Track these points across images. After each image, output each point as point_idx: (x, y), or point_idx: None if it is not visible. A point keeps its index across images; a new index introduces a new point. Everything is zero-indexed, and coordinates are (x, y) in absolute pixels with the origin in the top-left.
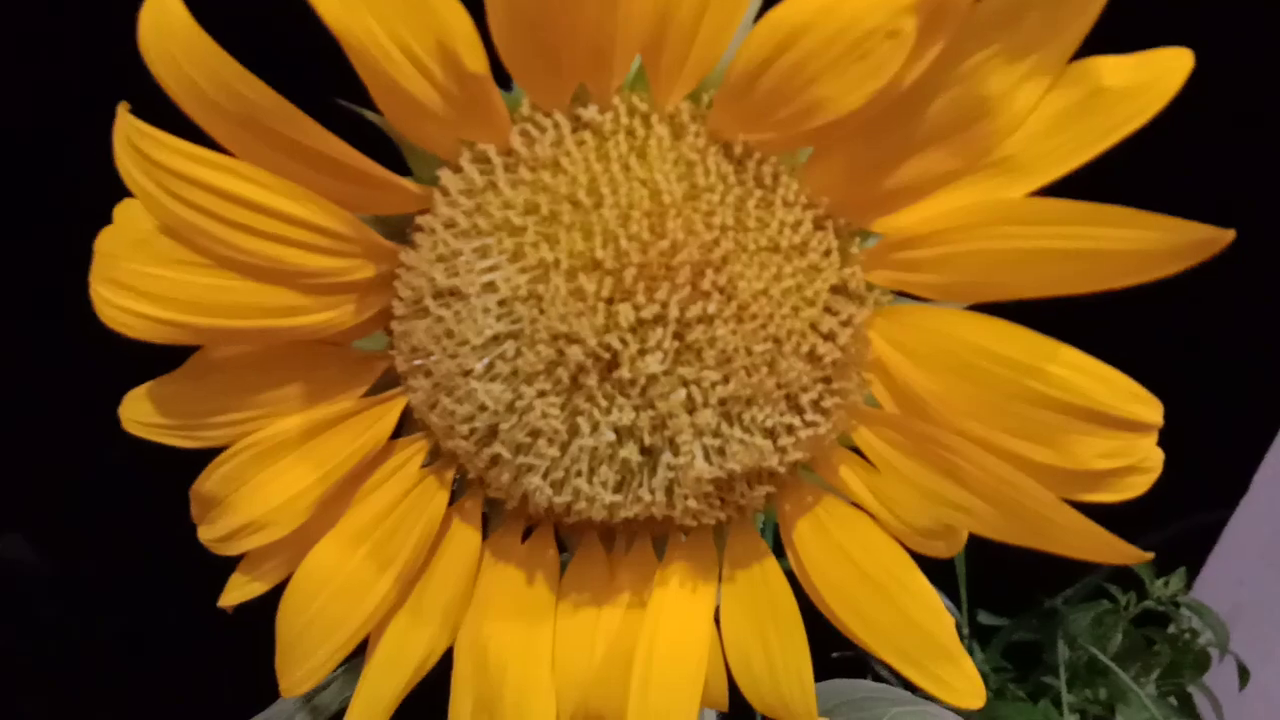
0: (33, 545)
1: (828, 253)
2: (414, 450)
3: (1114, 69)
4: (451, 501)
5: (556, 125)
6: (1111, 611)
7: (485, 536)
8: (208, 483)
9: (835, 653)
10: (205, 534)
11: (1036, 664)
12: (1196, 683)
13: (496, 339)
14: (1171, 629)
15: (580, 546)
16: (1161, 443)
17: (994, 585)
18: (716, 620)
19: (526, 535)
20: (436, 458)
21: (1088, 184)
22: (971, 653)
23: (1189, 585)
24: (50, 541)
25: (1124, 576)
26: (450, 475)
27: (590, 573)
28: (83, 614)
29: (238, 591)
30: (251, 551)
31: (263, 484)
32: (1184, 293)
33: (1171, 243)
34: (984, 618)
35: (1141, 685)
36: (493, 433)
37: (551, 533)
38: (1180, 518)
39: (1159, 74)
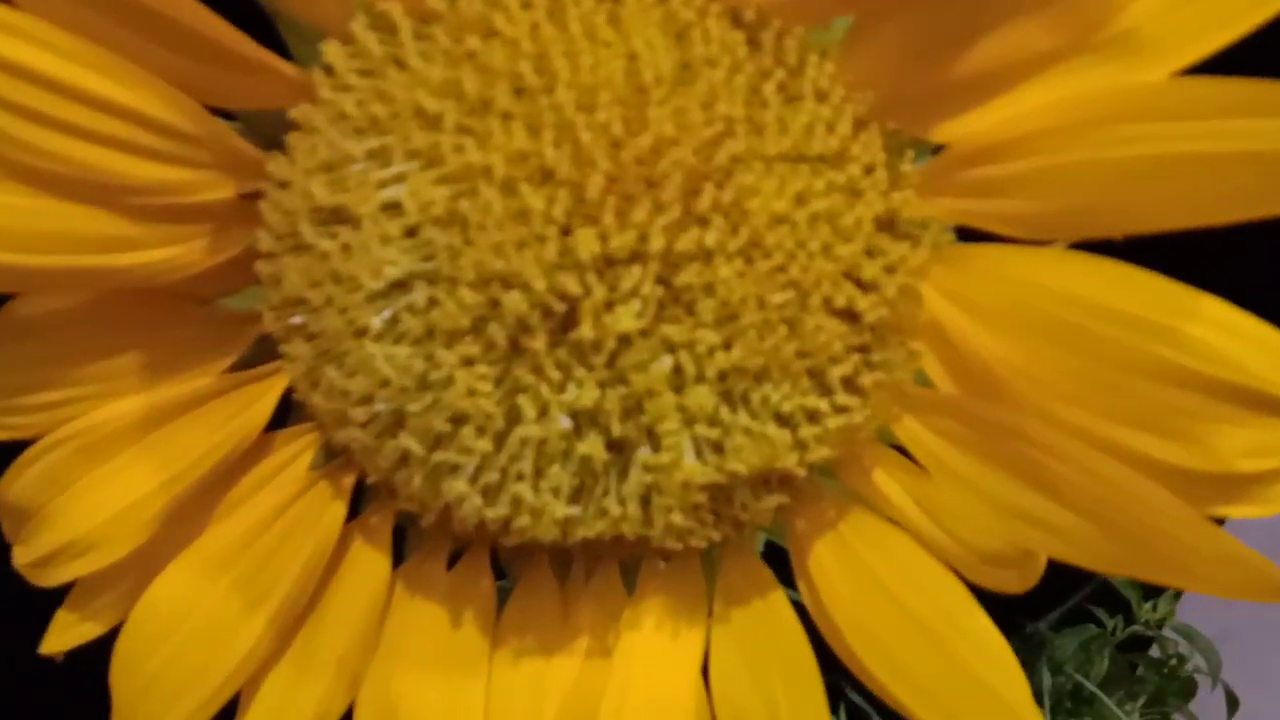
0: None
1: (870, 169)
2: (300, 446)
3: None
4: (352, 515)
5: None
6: (1098, 637)
7: (398, 562)
8: (14, 487)
9: None
10: (20, 557)
11: None
12: (1183, 710)
13: (402, 283)
14: (1156, 654)
15: (524, 574)
16: None
17: None
18: (705, 672)
19: (454, 560)
20: (332, 456)
21: None
22: None
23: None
24: None
25: (1109, 599)
26: (349, 480)
27: (537, 609)
28: None
29: (65, 634)
30: (81, 580)
31: (89, 489)
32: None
33: None
34: None
35: (1127, 713)
36: (398, 419)
37: (486, 557)
38: None
39: None
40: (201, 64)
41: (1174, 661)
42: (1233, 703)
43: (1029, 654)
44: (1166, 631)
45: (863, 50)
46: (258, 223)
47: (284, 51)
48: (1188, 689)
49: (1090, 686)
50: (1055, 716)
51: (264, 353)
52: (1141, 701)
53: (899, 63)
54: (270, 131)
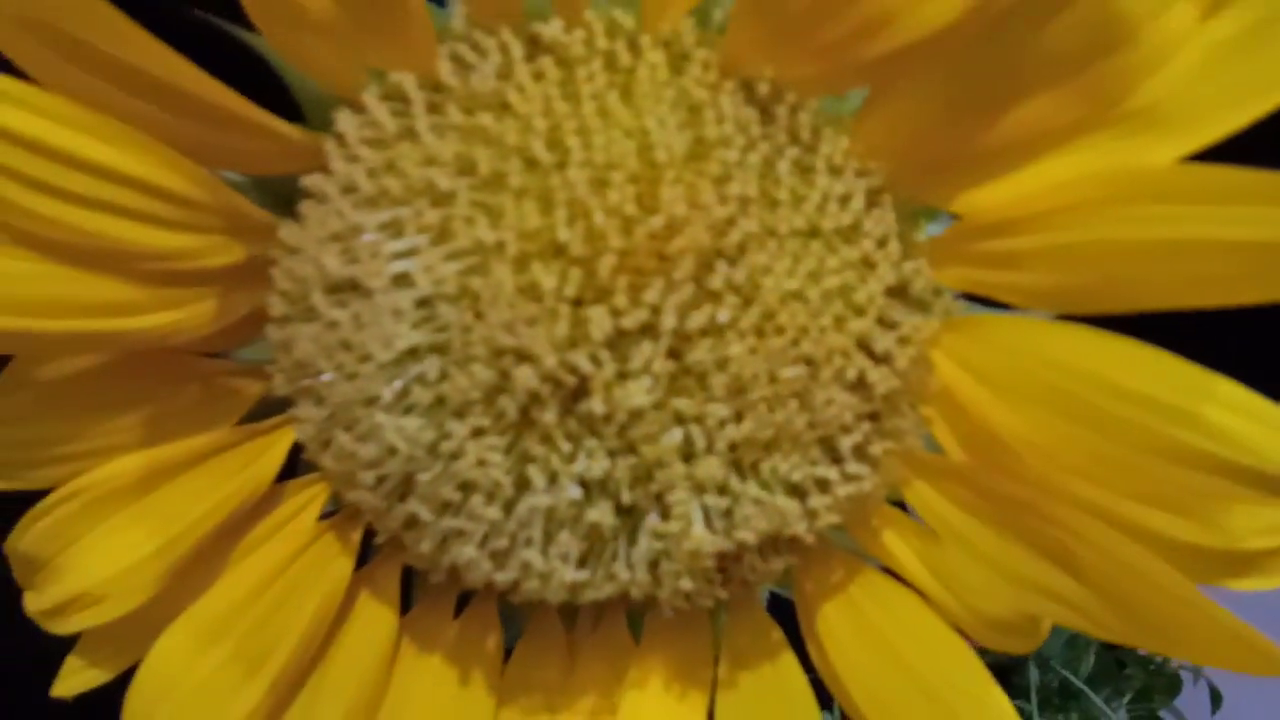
0: None
1: (884, 240)
2: (309, 496)
3: None
4: (362, 560)
5: (503, 47)
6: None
7: (407, 604)
8: (26, 537)
9: None
10: (32, 604)
11: (1007, 687)
12: (1168, 706)
13: (413, 354)
14: (1143, 651)
15: (532, 624)
16: None
17: None
18: None
19: (462, 603)
20: (341, 504)
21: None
22: None
23: None
24: None
25: None
26: (357, 534)
27: (544, 663)
28: None
29: (73, 679)
30: (89, 631)
31: (97, 543)
32: None
33: None
34: None
35: (1114, 709)
36: (408, 485)
37: (494, 608)
38: None
39: None
40: (207, 130)
41: (1159, 659)
42: (1216, 698)
43: None
44: None
45: (879, 122)
46: (266, 283)
47: (297, 114)
48: (1173, 685)
49: (1077, 683)
50: (1042, 713)
51: (276, 403)
52: (1128, 698)
53: (914, 133)
54: (283, 189)
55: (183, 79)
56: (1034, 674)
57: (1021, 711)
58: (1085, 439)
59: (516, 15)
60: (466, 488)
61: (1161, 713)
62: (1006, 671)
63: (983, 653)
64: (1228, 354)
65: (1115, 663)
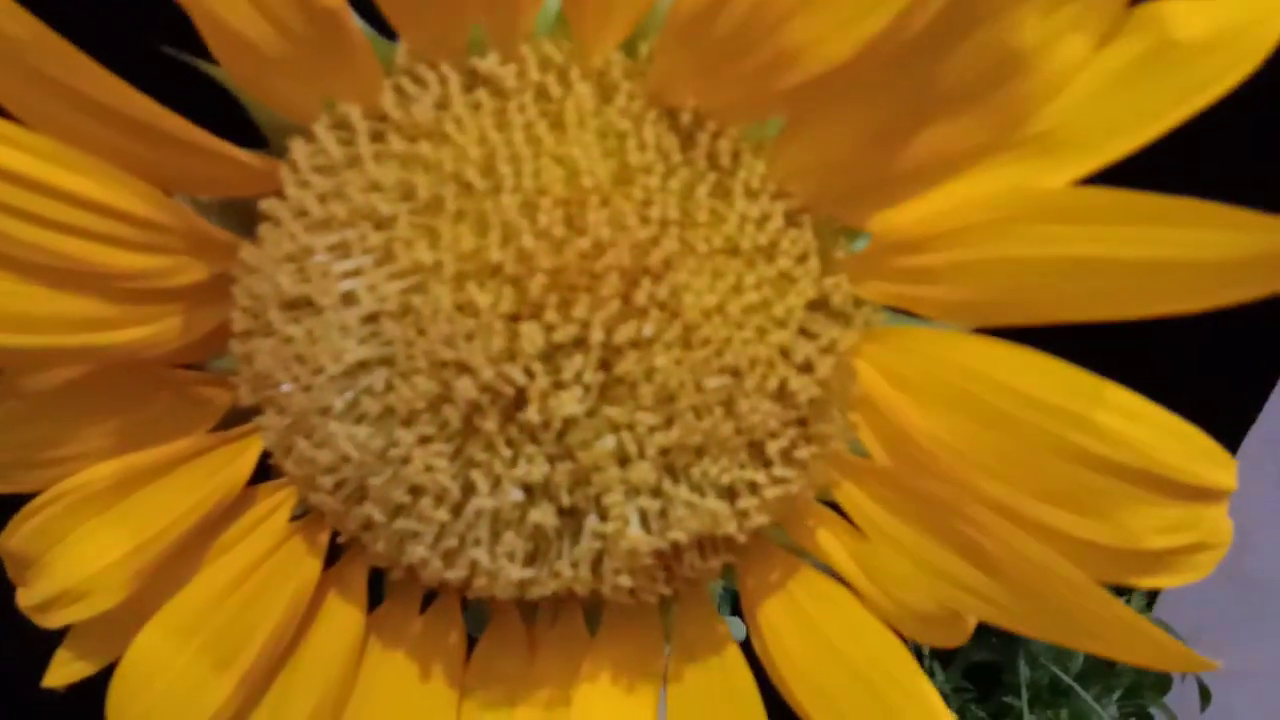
0: None
1: (804, 257)
2: (280, 498)
3: (1190, 15)
4: (332, 559)
5: (443, 80)
6: None
7: (378, 599)
8: (16, 536)
9: None
10: (24, 599)
11: (998, 684)
12: (1158, 703)
13: (361, 367)
14: None
15: (494, 620)
16: None
17: None
18: None
19: (427, 602)
20: (310, 507)
21: (1143, 172)
22: (932, 674)
23: (1150, 604)
24: None
25: None
26: (325, 536)
27: (505, 656)
28: None
29: (63, 670)
30: (76, 625)
31: (79, 542)
32: None
33: (1275, 249)
34: None
35: (1104, 706)
36: (363, 489)
37: (457, 604)
38: None
39: (1250, 22)
40: (171, 159)
41: None
42: (1205, 696)
43: (1007, 648)
44: None
45: (796, 146)
46: (230, 300)
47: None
48: (1163, 683)
49: (1067, 680)
50: (1033, 710)
51: (249, 410)
52: (1118, 695)
53: (830, 158)
54: (246, 210)
55: (147, 114)
56: (1024, 671)
57: (1012, 709)
58: (993, 441)
59: (457, 50)
60: (416, 491)
61: (1152, 710)
62: (997, 669)
63: (975, 653)
64: (1130, 362)
65: (1105, 660)
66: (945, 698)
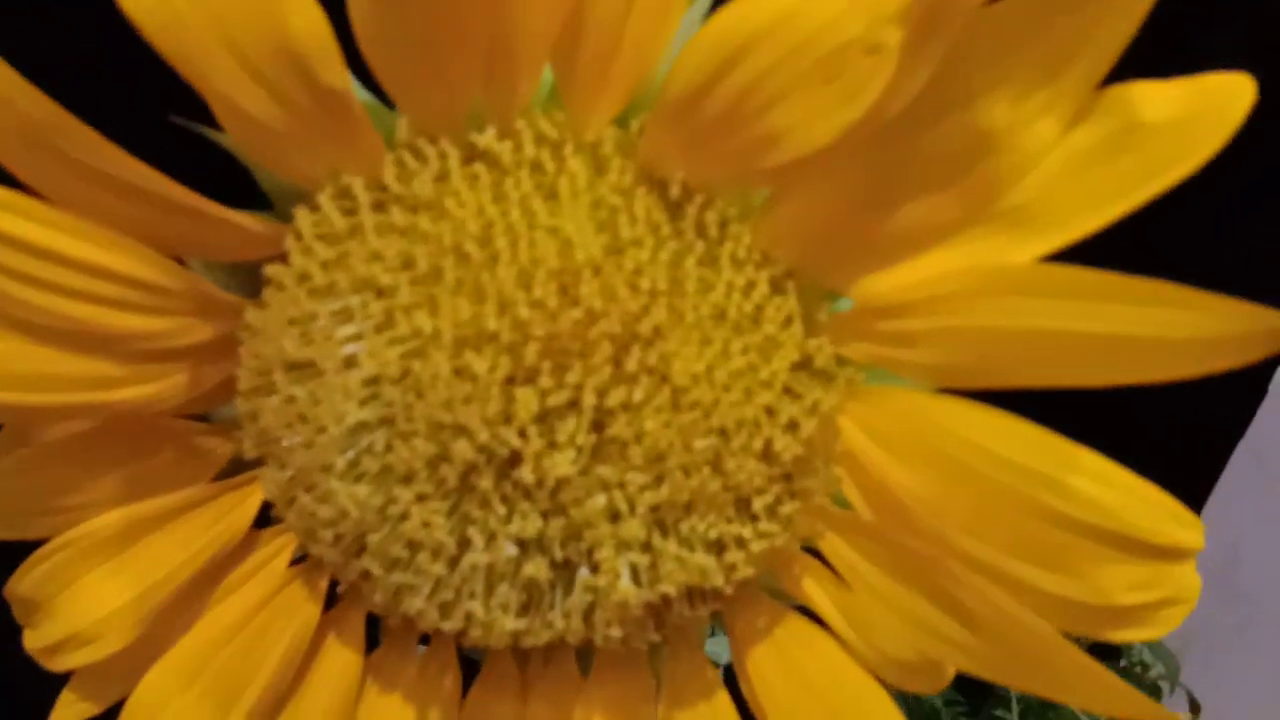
0: None
1: (788, 321)
2: (281, 543)
3: (1155, 98)
4: (329, 607)
5: (442, 155)
6: None
7: (376, 642)
8: (23, 583)
9: None
10: (31, 642)
11: (988, 696)
12: None
13: (362, 427)
14: (1123, 661)
15: (487, 663)
16: None
17: None
18: None
19: (425, 642)
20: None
21: (1116, 247)
22: None
23: None
24: None
25: None
26: (324, 580)
27: (498, 700)
28: None
29: (68, 711)
30: (81, 668)
31: (86, 589)
32: None
33: (1229, 331)
34: None
35: (1093, 717)
36: (362, 543)
37: (452, 648)
38: None
39: (1213, 106)
40: (179, 226)
41: (1139, 669)
42: (1195, 707)
43: None
44: None
45: (780, 218)
46: (234, 356)
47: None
48: (1153, 694)
49: None
50: None
51: (250, 460)
52: None
53: (813, 230)
54: (252, 272)
55: (157, 187)
56: None
57: None
58: (970, 500)
59: (456, 123)
60: (413, 546)
61: None
62: (988, 682)
63: None
64: (1095, 427)
65: None
66: (936, 711)
